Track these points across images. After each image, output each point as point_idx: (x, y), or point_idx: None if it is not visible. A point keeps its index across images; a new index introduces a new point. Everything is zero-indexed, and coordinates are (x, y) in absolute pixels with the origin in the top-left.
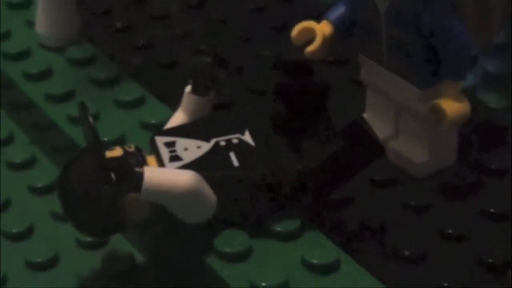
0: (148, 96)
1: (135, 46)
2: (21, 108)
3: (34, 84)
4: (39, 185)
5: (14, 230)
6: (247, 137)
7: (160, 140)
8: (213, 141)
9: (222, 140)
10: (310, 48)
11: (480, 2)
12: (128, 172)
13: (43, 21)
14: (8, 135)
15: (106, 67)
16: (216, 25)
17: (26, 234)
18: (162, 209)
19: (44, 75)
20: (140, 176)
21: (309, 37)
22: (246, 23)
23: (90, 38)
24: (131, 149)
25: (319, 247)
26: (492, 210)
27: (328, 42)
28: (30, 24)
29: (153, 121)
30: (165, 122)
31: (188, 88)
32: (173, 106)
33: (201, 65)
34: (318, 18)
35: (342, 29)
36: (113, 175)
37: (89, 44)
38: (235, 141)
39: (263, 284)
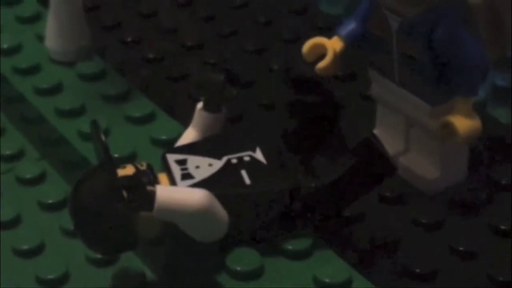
0: (159, 111)
1: (145, 59)
2: (31, 123)
3: (44, 99)
4: (50, 201)
5: (25, 247)
6: (259, 155)
7: (171, 158)
8: (224, 159)
9: (233, 158)
10: (321, 65)
11: (493, 16)
12: (141, 191)
13: (53, 35)
14: (18, 150)
15: (116, 82)
16: (227, 38)
17: (37, 250)
18: (174, 227)
19: (54, 90)
20: (152, 195)
21: (320, 53)
22: (257, 35)
23: (100, 52)
24: (143, 167)
25: (331, 266)
26: (503, 227)
27: (339, 58)
28: (40, 38)
29: (163, 137)
30: (176, 138)
31: (199, 105)
32: (184, 119)
33: (213, 82)
34: (329, 30)
35: (353, 45)
36: (125, 194)
37: (99, 58)
38: (246, 158)
39: None
